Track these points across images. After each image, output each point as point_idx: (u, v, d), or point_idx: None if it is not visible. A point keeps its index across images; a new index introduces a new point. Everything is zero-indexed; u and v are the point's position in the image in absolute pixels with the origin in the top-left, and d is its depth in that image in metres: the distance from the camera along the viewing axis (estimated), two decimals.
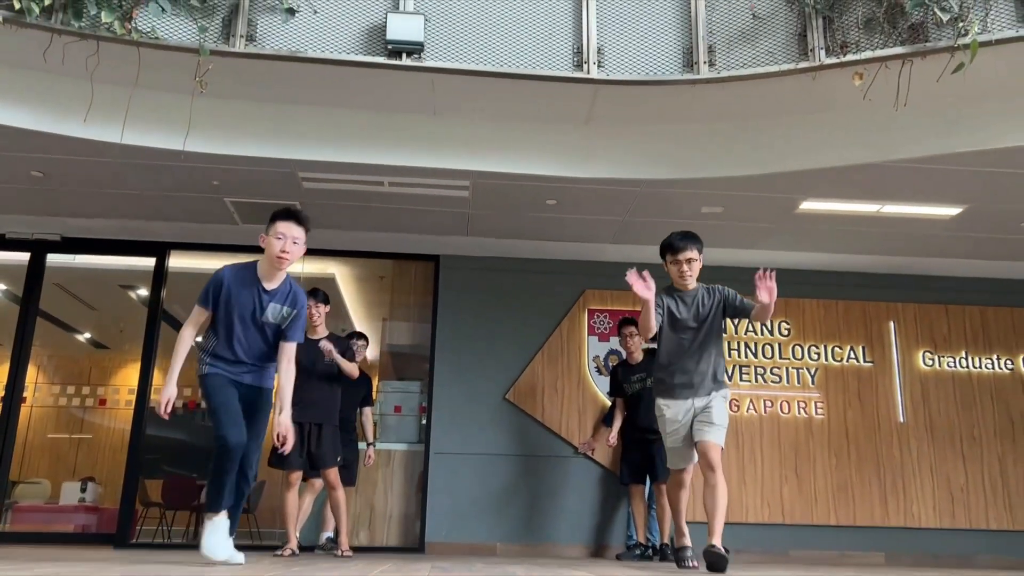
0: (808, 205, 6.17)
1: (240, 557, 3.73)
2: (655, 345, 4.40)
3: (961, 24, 4.55)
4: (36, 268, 6.85)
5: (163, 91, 5.05)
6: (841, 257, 7.24)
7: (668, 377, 4.31)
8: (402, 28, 4.91)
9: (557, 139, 5.58)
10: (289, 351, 3.84)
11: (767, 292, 3.99)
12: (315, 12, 5.00)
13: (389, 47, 4.92)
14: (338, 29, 5.00)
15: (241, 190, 6.09)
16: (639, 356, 6.12)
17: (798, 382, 7.09)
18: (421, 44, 4.93)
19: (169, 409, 3.68)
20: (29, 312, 6.78)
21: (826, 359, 7.16)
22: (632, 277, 3.99)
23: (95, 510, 8.36)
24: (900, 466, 6.93)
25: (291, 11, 4.94)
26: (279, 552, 5.26)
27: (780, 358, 7.14)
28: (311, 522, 6.02)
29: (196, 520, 8.27)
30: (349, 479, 6.01)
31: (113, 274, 7.88)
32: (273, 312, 3.77)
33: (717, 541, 3.95)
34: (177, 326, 7.06)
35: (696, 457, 4.23)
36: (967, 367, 7.23)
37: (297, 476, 5.42)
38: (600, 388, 6.85)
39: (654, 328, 4.15)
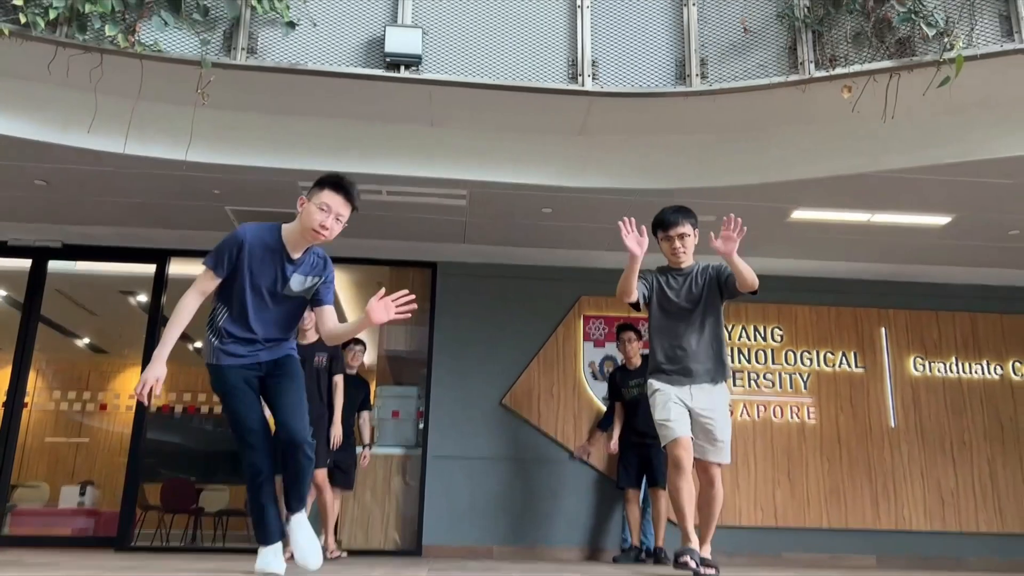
0: (799, 214, 6.28)
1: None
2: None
3: (947, 39, 4.66)
4: (38, 274, 6.93)
5: (166, 102, 5.14)
6: (833, 264, 7.34)
7: (662, 364, 3.96)
8: (400, 41, 5.01)
9: (553, 149, 5.67)
10: (327, 315, 3.33)
11: (722, 240, 3.62)
12: (315, 25, 5.09)
13: (387, 59, 5.01)
14: (337, 42, 5.09)
15: (241, 199, 6.18)
16: (637, 361, 6.20)
17: (791, 387, 7.19)
18: (419, 57, 5.02)
19: (158, 392, 3.16)
20: (31, 318, 6.86)
21: (818, 365, 7.26)
22: (625, 230, 3.62)
23: (94, 513, 8.42)
24: (891, 470, 7.03)
25: (291, 24, 5.03)
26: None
27: (773, 364, 7.23)
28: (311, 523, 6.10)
29: (194, 524, 8.36)
30: (347, 483, 6.11)
31: (113, 280, 7.96)
32: (297, 283, 3.29)
33: (706, 551, 3.81)
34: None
35: (691, 430, 3.84)
36: (957, 373, 7.33)
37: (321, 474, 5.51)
38: (595, 393, 6.94)
39: (632, 293, 3.76)
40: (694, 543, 3.84)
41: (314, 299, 3.35)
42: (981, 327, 7.45)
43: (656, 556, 5.82)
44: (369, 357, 8.14)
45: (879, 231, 6.58)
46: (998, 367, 7.37)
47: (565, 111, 5.37)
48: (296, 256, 3.26)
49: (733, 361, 7.16)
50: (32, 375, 6.99)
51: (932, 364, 7.33)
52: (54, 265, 7.01)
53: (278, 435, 3.27)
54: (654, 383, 3.94)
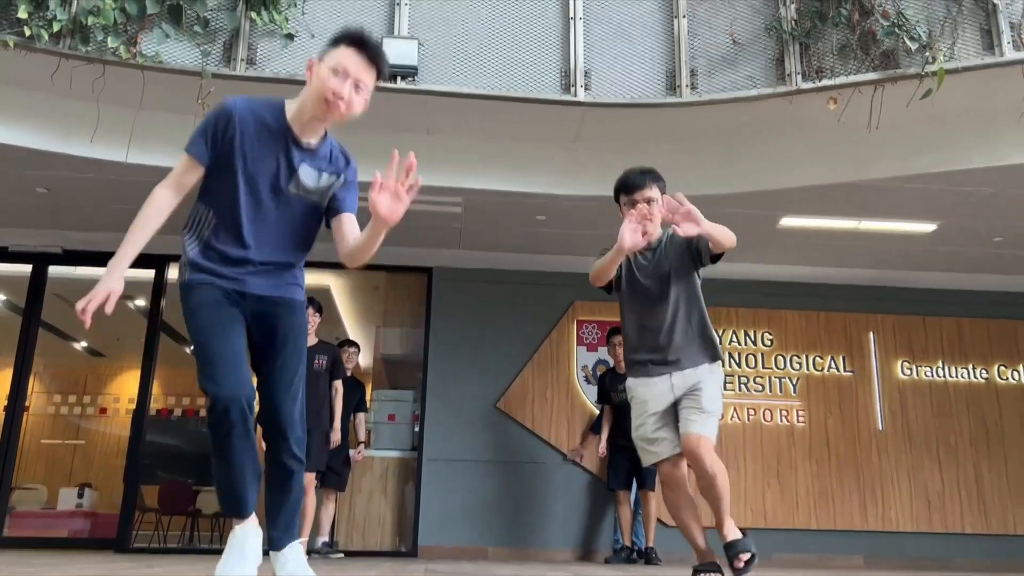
0: (788, 221, 6.40)
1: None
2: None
3: (929, 52, 4.79)
4: (38, 279, 7.01)
5: (167, 112, 5.21)
6: (822, 270, 7.46)
7: (638, 353, 3.42)
8: (397, 52, 5.10)
9: (546, 157, 5.79)
10: (348, 227, 2.53)
11: (683, 219, 3.10)
12: (313, 36, 5.18)
13: None
14: None
15: None
16: None
17: (780, 391, 7.30)
18: (415, 68, 5.12)
19: (109, 310, 2.31)
20: (31, 322, 6.94)
21: (807, 369, 7.38)
22: (629, 219, 3.11)
23: (92, 515, 8.50)
24: (879, 472, 7.15)
25: (290, 36, 5.13)
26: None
27: (763, 368, 7.35)
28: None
29: (191, 525, 8.44)
30: (339, 484, 6.21)
31: None
32: (310, 177, 2.46)
33: (731, 533, 3.35)
34: (176, 336, 7.22)
35: (679, 445, 3.30)
36: (944, 377, 7.46)
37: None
38: (588, 397, 7.05)
39: (607, 278, 3.33)
40: (711, 557, 3.41)
41: (331, 207, 2.53)
42: (967, 332, 7.58)
43: (647, 556, 5.93)
44: (364, 360, 8.25)
45: (867, 238, 6.71)
46: (984, 371, 7.50)
47: (559, 120, 5.48)
48: (307, 141, 2.44)
49: (724, 365, 7.18)
50: (31, 379, 7.07)
51: (919, 368, 7.46)
52: (54, 270, 7.09)
53: (260, 417, 2.48)
54: (630, 383, 3.49)
